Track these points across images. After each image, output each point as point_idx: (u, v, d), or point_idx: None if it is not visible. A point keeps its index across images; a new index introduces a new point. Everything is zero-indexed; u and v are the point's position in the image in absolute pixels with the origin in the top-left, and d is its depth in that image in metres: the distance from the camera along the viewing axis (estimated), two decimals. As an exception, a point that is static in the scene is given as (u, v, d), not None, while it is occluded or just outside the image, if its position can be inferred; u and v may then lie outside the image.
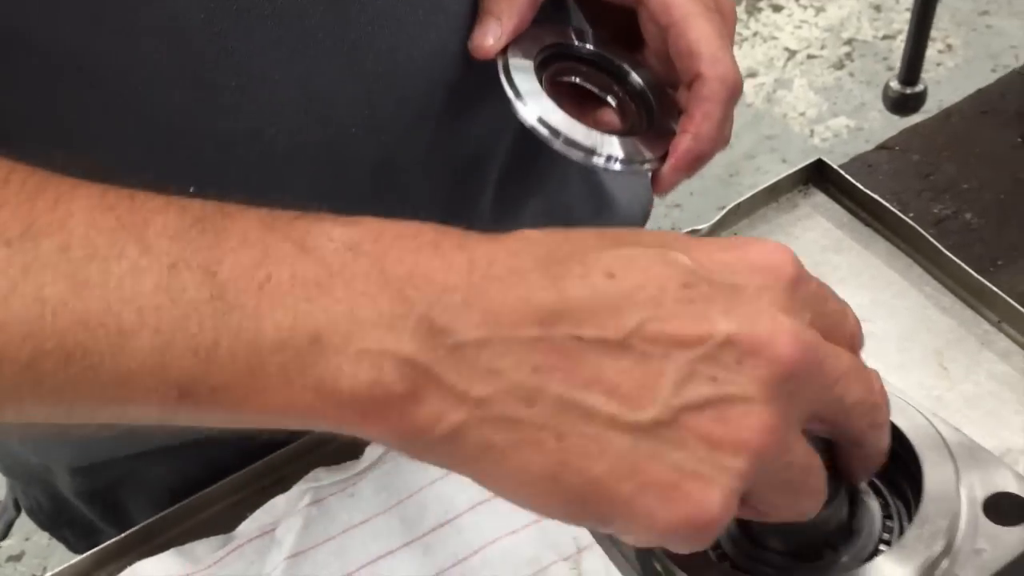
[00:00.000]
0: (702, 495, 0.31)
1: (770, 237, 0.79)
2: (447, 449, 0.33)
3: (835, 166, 0.80)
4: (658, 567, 0.40)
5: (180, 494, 0.68)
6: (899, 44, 2.67)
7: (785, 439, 0.32)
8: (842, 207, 0.80)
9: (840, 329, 0.37)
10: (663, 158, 0.55)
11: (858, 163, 0.84)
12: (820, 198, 0.81)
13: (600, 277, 0.32)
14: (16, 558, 1.90)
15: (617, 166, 0.54)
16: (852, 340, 0.38)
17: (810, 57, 2.79)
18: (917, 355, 0.70)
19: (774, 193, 0.81)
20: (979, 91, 0.89)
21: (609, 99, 0.58)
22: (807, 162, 0.81)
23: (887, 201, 0.79)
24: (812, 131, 2.52)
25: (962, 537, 0.37)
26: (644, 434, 0.31)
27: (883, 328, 0.72)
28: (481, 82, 0.56)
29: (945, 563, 0.37)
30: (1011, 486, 0.38)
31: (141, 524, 0.66)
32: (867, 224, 0.78)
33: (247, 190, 0.36)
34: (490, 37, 0.54)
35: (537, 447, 0.32)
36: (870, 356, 0.71)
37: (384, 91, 0.57)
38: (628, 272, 0.32)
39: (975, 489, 0.39)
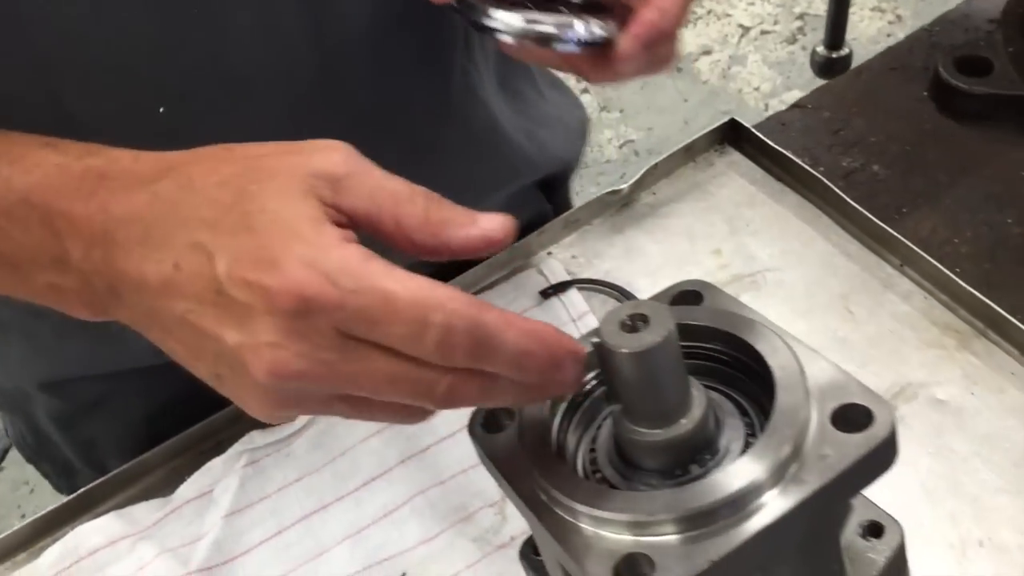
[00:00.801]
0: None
1: (687, 195, 0.82)
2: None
3: (748, 125, 0.83)
4: (541, 496, 0.42)
5: (152, 423, 0.72)
6: (849, 15, 2.70)
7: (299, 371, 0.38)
8: (756, 164, 0.83)
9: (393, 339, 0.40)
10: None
11: (772, 122, 0.87)
12: (735, 156, 0.84)
13: (170, 266, 0.41)
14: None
15: (580, 37, 0.54)
16: (410, 346, 0.40)
17: (763, 33, 2.82)
18: (824, 299, 0.73)
19: (691, 153, 0.84)
20: (888, 49, 0.93)
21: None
22: (721, 121, 0.84)
23: (799, 156, 0.82)
24: (767, 105, 2.55)
25: (810, 444, 0.40)
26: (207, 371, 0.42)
27: (792, 276, 0.75)
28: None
29: (794, 467, 0.40)
30: (857, 398, 0.42)
31: (83, 489, 0.68)
32: (779, 179, 0.82)
33: (210, 112, 0.47)
34: None
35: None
36: (780, 302, 0.75)
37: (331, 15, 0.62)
38: (190, 267, 0.40)
39: (826, 402, 0.42)
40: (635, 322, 0.40)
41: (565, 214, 0.81)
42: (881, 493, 0.62)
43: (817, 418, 0.41)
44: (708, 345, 0.46)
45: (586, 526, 0.40)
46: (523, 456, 0.44)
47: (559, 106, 0.88)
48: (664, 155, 0.83)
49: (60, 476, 0.87)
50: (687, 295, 0.50)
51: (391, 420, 0.43)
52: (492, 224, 0.42)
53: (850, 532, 0.46)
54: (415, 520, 0.66)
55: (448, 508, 0.66)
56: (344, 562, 0.65)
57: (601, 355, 0.41)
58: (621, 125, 2.70)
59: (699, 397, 0.42)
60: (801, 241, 0.77)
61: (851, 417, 0.41)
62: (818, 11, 2.83)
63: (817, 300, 0.73)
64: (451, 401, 0.40)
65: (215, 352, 0.41)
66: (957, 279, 0.70)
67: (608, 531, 0.40)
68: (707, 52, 2.76)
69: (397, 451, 0.69)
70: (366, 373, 0.39)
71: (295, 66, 0.63)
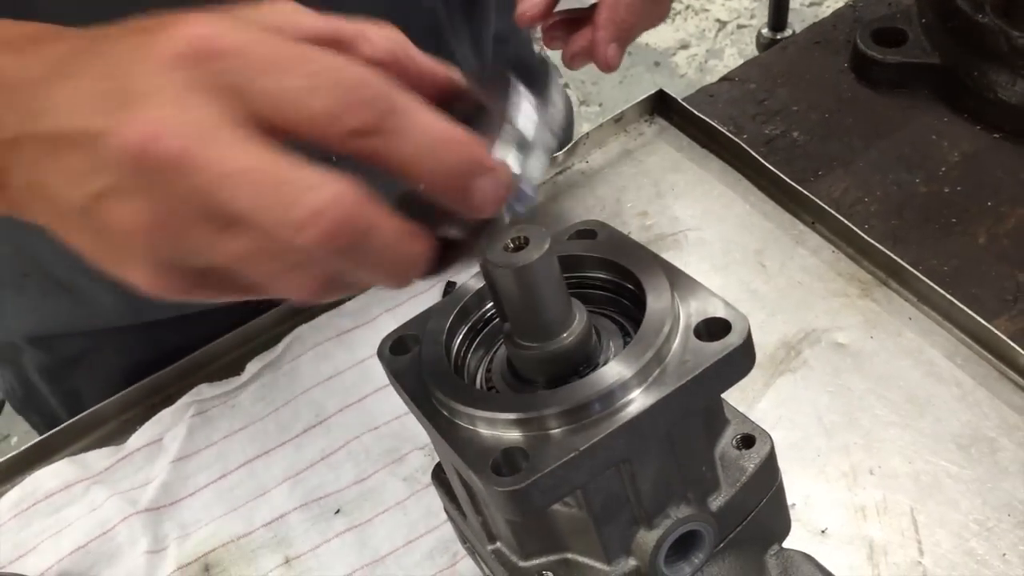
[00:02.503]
0: (134, 273, 0.37)
1: (618, 163, 0.86)
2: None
3: (676, 97, 0.88)
4: (437, 406, 0.47)
5: (129, 379, 0.76)
6: (825, 10, 2.75)
7: (170, 228, 0.34)
8: (683, 133, 0.87)
9: (291, 104, 0.34)
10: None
11: (701, 94, 0.92)
12: (663, 125, 0.88)
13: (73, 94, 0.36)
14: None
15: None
16: (310, 116, 0.34)
17: (740, 27, 2.87)
18: (739, 255, 0.78)
19: (622, 123, 0.88)
20: (814, 23, 0.97)
21: None
22: (650, 92, 0.88)
23: (724, 125, 0.87)
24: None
25: (675, 352, 0.45)
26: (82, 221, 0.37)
27: (711, 234, 0.79)
28: None
29: (657, 371, 0.44)
30: (719, 312, 0.46)
31: (40, 438, 0.73)
32: (704, 146, 0.86)
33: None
34: (533, 7, 0.62)
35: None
36: (699, 259, 0.79)
37: None
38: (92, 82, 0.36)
39: (692, 317, 0.46)
40: (517, 244, 0.45)
41: (501, 181, 0.85)
42: (782, 428, 0.67)
43: (682, 330, 0.46)
44: (595, 274, 0.51)
45: (469, 426, 0.45)
46: (422, 372, 0.48)
47: None
48: (596, 125, 0.87)
49: (47, 427, 0.91)
50: (584, 232, 0.54)
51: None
52: None
53: (725, 443, 0.50)
54: (350, 463, 0.70)
55: (381, 451, 0.71)
56: (283, 501, 0.69)
57: (488, 273, 0.45)
58: (599, 119, 2.75)
59: (580, 316, 0.47)
60: (721, 203, 0.82)
61: (712, 329, 0.45)
62: (794, 5, 2.88)
63: (733, 256, 0.78)
64: (327, 234, 0.33)
65: (78, 160, 0.35)
66: (862, 233, 0.75)
67: (490, 430, 0.44)
68: (685, 46, 2.81)
69: (336, 401, 0.73)
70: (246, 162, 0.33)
71: None
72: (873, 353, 0.70)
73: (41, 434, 0.91)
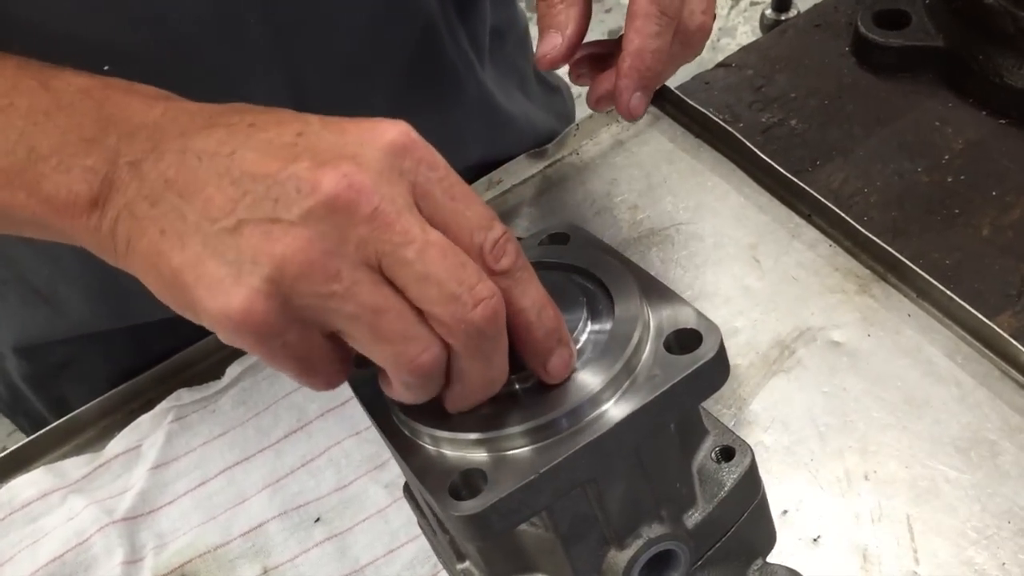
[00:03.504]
0: (234, 290, 0.37)
1: (609, 153, 0.84)
2: (112, 244, 0.41)
3: (669, 85, 0.85)
4: (396, 422, 0.45)
5: (119, 384, 0.74)
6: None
7: (324, 264, 0.36)
8: (676, 122, 0.85)
9: (456, 218, 0.39)
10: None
11: (696, 81, 0.89)
12: (656, 114, 0.86)
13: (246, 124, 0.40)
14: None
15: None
16: (471, 235, 0.39)
17: (753, 4, 2.83)
18: (733, 250, 0.75)
19: (613, 113, 0.85)
20: (815, 6, 0.94)
21: None
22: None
23: (720, 113, 0.84)
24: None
25: (643, 366, 0.42)
26: (214, 238, 0.38)
27: (704, 228, 0.77)
28: None
29: (627, 383, 0.42)
30: (691, 323, 0.43)
31: (16, 446, 0.71)
32: (697, 136, 0.83)
33: (155, 71, 0.47)
34: (553, 49, 0.56)
35: (147, 239, 0.39)
36: (691, 254, 0.76)
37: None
38: (267, 124, 0.39)
39: (664, 327, 0.44)
40: None
41: (488, 175, 0.83)
42: (774, 431, 0.65)
43: (652, 343, 0.43)
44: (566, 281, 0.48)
45: (429, 446, 0.43)
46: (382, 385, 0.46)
47: (547, 94, 0.92)
48: (586, 115, 0.85)
49: (35, 430, 0.90)
50: (556, 236, 0.52)
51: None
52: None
53: (704, 456, 0.48)
54: (331, 469, 0.69)
55: (363, 457, 0.69)
56: (262, 509, 0.67)
57: None
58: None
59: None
60: (715, 195, 0.79)
61: (683, 341, 0.43)
62: (807, -19, 2.84)
63: (726, 251, 0.75)
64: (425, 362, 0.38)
65: (260, 190, 0.37)
66: (860, 227, 0.72)
67: (449, 449, 0.42)
68: (697, 23, 2.77)
69: (317, 405, 0.72)
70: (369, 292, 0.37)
71: (242, 27, 0.63)
72: (870, 352, 0.67)
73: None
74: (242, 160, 0.38)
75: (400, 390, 0.40)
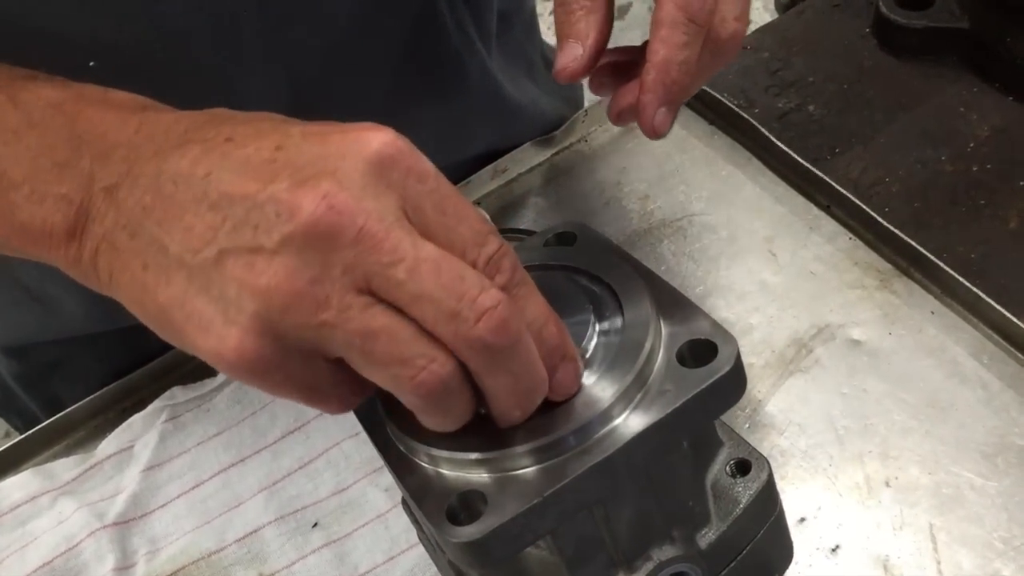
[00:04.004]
0: (224, 331, 0.34)
1: (619, 141, 0.81)
2: (95, 275, 0.39)
3: (682, 68, 0.81)
4: (394, 440, 0.42)
5: (109, 384, 0.72)
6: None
7: (311, 293, 0.34)
8: (689, 107, 0.81)
9: (447, 234, 0.36)
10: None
11: (710, 64, 0.85)
12: (668, 100, 0.82)
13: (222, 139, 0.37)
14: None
15: None
16: (463, 253, 0.36)
17: (770, -15, 2.79)
18: (748, 243, 0.72)
19: (623, 98, 0.82)
20: (833, -14, 0.90)
21: None
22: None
23: (734, 98, 0.81)
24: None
25: (655, 379, 0.40)
26: (198, 271, 0.35)
27: (718, 220, 0.74)
28: None
29: (638, 397, 0.39)
30: (705, 334, 0.41)
31: (4, 446, 0.69)
32: (711, 122, 0.80)
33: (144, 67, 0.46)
34: (574, 61, 0.51)
35: (129, 274, 0.37)
36: (704, 247, 0.74)
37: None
38: (245, 138, 0.37)
39: (676, 336, 0.41)
40: None
41: (494, 163, 0.80)
42: (791, 434, 0.62)
43: (664, 353, 0.41)
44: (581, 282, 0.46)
45: (426, 464, 0.40)
46: (381, 404, 0.43)
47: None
48: (596, 101, 0.81)
49: (27, 428, 0.88)
50: (563, 236, 0.49)
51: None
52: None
53: (718, 470, 0.45)
54: (330, 471, 0.66)
55: (362, 459, 0.66)
56: (258, 513, 0.65)
57: None
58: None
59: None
60: (729, 185, 0.76)
61: (697, 352, 0.40)
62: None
63: (741, 244, 0.72)
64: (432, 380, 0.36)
65: (239, 215, 0.35)
66: (881, 219, 0.69)
67: (448, 469, 0.39)
68: (711, 2, 2.73)
69: (316, 404, 0.69)
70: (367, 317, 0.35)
71: (234, 21, 0.60)
72: (892, 351, 0.64)
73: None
74: (219, 182, 0.36)
75: (420, 415, 0.38)
